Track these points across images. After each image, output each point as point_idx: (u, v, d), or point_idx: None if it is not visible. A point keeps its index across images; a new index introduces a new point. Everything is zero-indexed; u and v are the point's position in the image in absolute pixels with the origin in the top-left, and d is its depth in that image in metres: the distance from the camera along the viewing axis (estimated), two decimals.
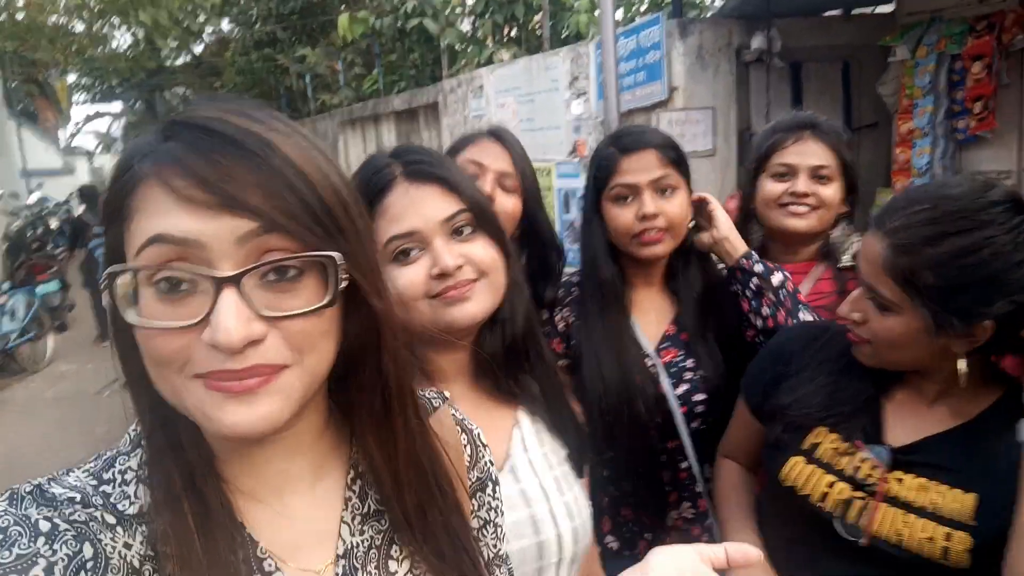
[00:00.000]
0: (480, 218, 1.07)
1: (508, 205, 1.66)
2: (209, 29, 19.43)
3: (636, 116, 5.34)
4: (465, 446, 0.85)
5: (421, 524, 0.73)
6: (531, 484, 1.12)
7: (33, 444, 5.49)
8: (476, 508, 0.85)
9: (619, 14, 9.04)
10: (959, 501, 1.14)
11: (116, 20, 16.00)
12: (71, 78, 21.97)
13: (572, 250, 1.99)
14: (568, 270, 1.80)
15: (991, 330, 1.11)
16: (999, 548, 1.09)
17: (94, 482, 0.64)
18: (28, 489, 0.61)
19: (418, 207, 1.03)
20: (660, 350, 1.65)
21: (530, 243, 1.72)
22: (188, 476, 0.64)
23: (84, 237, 9.09)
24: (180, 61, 21.44)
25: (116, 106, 29.64)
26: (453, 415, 0.86)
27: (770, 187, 1.82)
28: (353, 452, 0.75)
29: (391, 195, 1.04)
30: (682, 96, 5.24)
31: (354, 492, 0.74)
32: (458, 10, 9.18)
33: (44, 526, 0.58)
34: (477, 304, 1.06)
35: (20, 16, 13.56)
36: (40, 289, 8.03)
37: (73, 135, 31.23)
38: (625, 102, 5.22)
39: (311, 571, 0.69)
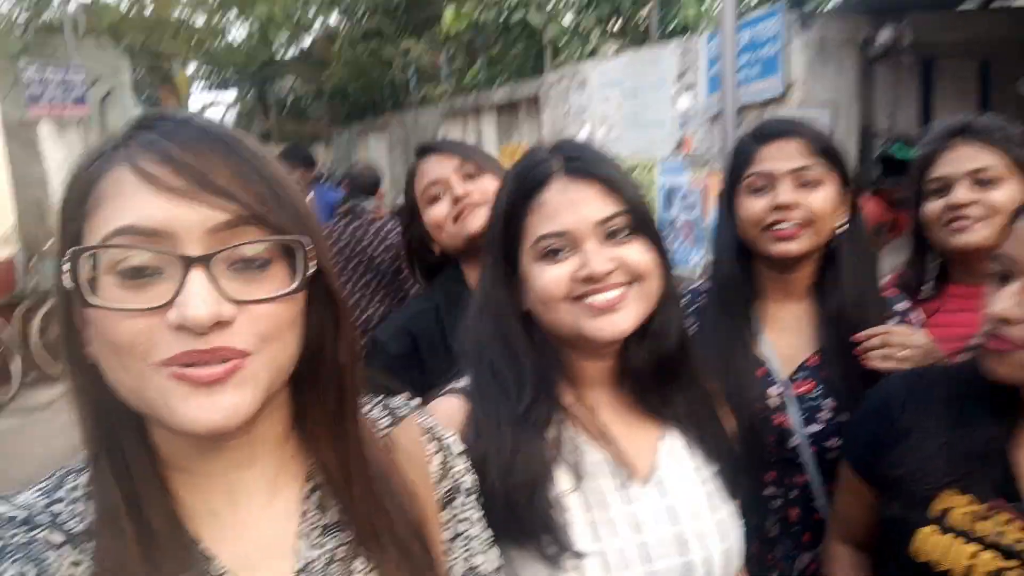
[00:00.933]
0: (640, 221, 1.02)
1: (481, 186, 1.58)
2: (319, 22, 20.12)
3: (749, 112, 5.11)
4: (434, 454, 0.81)
5: (383, 535, 0.71)
6: (680, 500, 1.05)
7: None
8: (447, 520, 0.81)
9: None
10: None
11: (232, 14, 16.77)
12: (191, 69, 23.24)
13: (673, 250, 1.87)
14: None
15: None
16: None
17: (44, 500, 0.63)
18: None
19: (575, 206, 0.99)
20: (794, 380, 1.47)
21: None
22: (132, 495, 0.62)
23: None
24: (290, 54, 22.31)
25: (230, 95, 31.30)
26: (420, 424, 0.83)
27: (929, 207, 1.62)
28: (311, 463, 0.73)
29: (548, 191, 1.01)
30: (799, 92, 4.98)
31: (312, 503, 0.72)
32: (562, 4, 9.08)
33: None
34: (627, 315, 1.00)
35: (148, 11, 14.39)
36: None
37: None
38: (737, 98, 5.01)
39: None
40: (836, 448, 1.42)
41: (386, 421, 0.81)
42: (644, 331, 1.04)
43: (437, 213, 1.61)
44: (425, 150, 1.70)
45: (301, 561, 0.69)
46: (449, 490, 0.82)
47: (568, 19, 9.30)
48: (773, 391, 1.46)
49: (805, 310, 1.51)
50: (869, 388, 1.37)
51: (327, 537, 0.71)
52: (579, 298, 0.99)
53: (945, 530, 1.10)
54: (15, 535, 0.59)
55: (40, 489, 0.65)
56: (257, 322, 0.61)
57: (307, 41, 21.82)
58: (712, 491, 1.09)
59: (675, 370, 1.09)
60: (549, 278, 1.00)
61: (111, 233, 0.58)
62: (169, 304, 0.57)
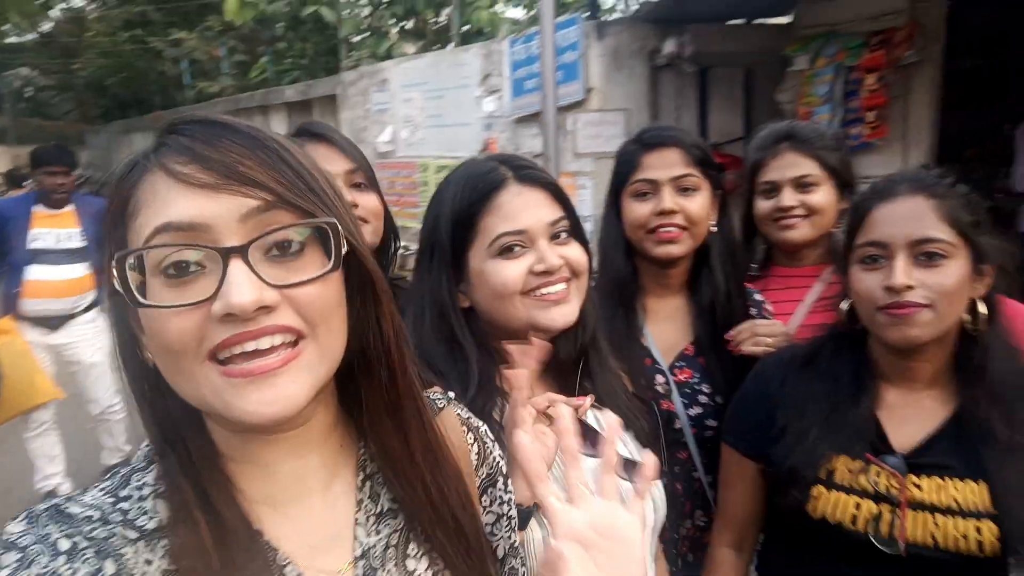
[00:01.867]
0: (575, 225, 1.16)
1: (371, 203, 1.60)
2: (61, 5, 17.79)
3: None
4: (472, 444, 0.86)
5: (436, 518, 0.74)
6: None
7: None
8: (488, 504, 0.86)
9: (520, 13, 9.09)
10: (975, 492, 1.20)
11: None
12: None
13: None
14: None
15: (993, 274, 1.23)
16: None
17: (111, 500, 0.65)
18: (44, 508, 0.62)
19: (530, 208, 1.11)
20: (674, 368, 1.61)
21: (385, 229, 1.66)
22: (202, 491, 0.64)
23: None
24: (23, 39, 19.46)
25: None
26: (458, 415, 0.87)
27: (760, 205, 1.86)
28: (361, 452, 0.76)
29: (504, 194, 1.11)
30: (598, 97, 5.32)
31: (365, 493, 0.75)
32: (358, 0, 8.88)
33: (64, 544, 0.59)
34: (573, 308, 1.13)
35: None
36: None
37: None
38: (540, 102, 5.24)
39: (331, 573, 0.70)
40: (713, 428, 1.58)
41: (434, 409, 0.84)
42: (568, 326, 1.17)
43: None
44: (315, 136, 1.58)
45: (360, 548, 0.72)
46: (488, 475, 0.87)
47: (362, 16, 9.11)
48: (659, 379, 1.59)
49: (680, 303, 1.67)
50: (739, 372, 1.55)
51: (381, 524, 0.74)
52: (532, 292, 1.11)
53: (831, 487, 1.27)
54: (94, 529, 0.61)
55: (104, 489, 0.66)
56: (302, 307, 0.62)
57: (48, 25, 19.21)
58: (633, 451, 1.22)
59: (590, 355, 1.21)
60: (508, 273, 1.10)
61: (150, 234, 0.60)
62: (213, 297, 0.59)
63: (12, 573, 0.57)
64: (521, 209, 1.10)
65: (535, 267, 1.10)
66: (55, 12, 18.08)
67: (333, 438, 0.74)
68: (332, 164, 1.54)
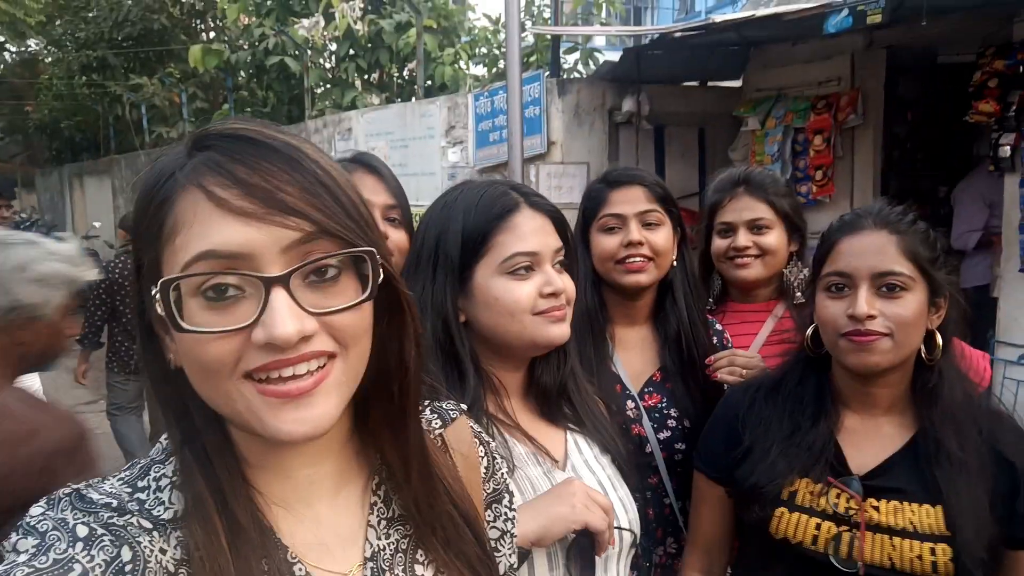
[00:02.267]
0: (569, 256, 1.22)
1: (398, 239, 1.69)
2: (12, 49, 17.58)
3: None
4: (482, 457, 0.87)
5: (441, 530, 0.76)
6: (589, 480, 1.21)
7: None
8: (492, 519, 0.87)
9: (481, 71, 9.35)
10: (930, 516, 1.26)
11: None
12: None
13: None
14: None
15: (946, 307, 1.32)
16: (980, 553, 1.21)
17: (128, 489, 0.66)
18: (66, 493, 0.63)
19: (542, 232, 1.17)
20: (643, 394, 1.67)
21: None
22: (218, 490, 0.65)
23: None
24: None
25: None
26: (471, 427, 0.88)
27: (716, 243, 1.98)
28: (377, 459, 0.77)
29: (519, 216, 1.16)
30: (560, 150, 5.49)
31: (379, 497, 0.76)
32: (324, 51, 9.03)
33: (82, 531, 0.59)
34: (568, 326, 1.19)
35: None
36: None
37: None
38: (503, 154, 5.38)
39: (339, 574, 0.71)
40: (682, 451, 1.64)
41: (437, 423, 0.85)
42: (549, 352, 1.23)
43: None
44: (366, 167, 1.69)
45: (370, 550, 0.73)
46: (495, 490, 0.87)
47: (327, 67, 9.25)
48: (630, 404, 1.65)
49: (647, 333, 1.75)
50: (704, 398, 1.64)
51: (392, 529, 0.76)
52: (540, 313, 1.15)
53: (793, 509, 1.33)
54: (111, 517, 0.62)
55: (122, 479, 0.67)
56: (336, 332, 0.63)
57: None
58: (611, 475, 1.27)
59: (572, 382, 1.27)
60: (521, 293, 1.15)
61: (192, 259, 0.60)
62: (254, 323, 0.60)
63: (30, 559, 0.57)
64: (534, 232, 1.16)
65: (544, 289, 1.15)
66: (7, 54, 17.84)
67: (350, 445, 0.76)
68: (375, 196, 1.63)
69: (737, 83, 5.90)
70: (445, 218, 1.20)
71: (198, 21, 13.44)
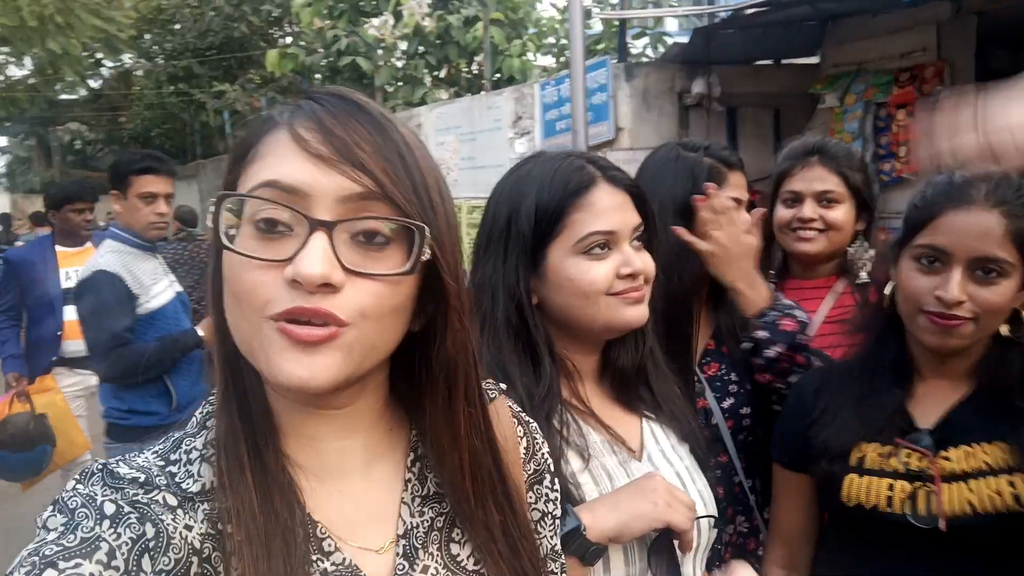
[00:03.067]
0: (650, 233, 1.16)
1: None
2: (109, 64, 18.64)
3: None
4: (522, 438, 0.85)
5: (482, 510, 0.74)
6: (667, 472, 1.15)
7: None
8: (534, 500, 0.85)
9: (550, 61, 9.33)
10: (1003, 451, 1.21)
11: (9, 49, 15.07)
12: None
13: None
14: None
15: None
16: None
17: (161, 462, 0.66)
18: (98, 467, 0.63)
19: (619, 210, 1.10)
20: (702, 364, 1.64)
21: None
22: (255, 449, 0.66)
23: None
24: (75, 95, 20.37)
25: (2, 140, 27.84)
26: (510, 407, 0.87)
27: (780, 213, 1.90)
28: (413, 435, 0.76)
29: (596, 192, 1.09)
30: (628, 137, 5.41)
31: (413, 474, 0.75)
32: (394, 49, 9.20)
33: (109, 508, 0.60)
34: (646, 308, 1.13)
35: None
36: None
37: None
38: (570, 143, 5.35)
39: (371, 550, 0.70)
40: (747, 416, 1.60)
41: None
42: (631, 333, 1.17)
43: None
44: None
45: (403, 527, 0.72)
46: (535, 471, 0.85)
47: (398, 65, 9.42)
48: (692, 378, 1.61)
49: (696, 301, 1.68)
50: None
51: (426, 507, 0.75)
52: (616, 294, 1.09)
53: (863, 473, 1.28)
54: (136, 495, 0.62)
55: (156, 452, 0.68)
56: (364, 298, 0.62)
57: (97, 82, 20.11)
58: (689, 465, 1.21)
59: (648, 365, 1.21)
60: (598, 274, 1.09)
61: (256, 185, 0.63)
62: (289, 260, 0.60)
63: (58, 537, 0.57)
64: (612, 210, 1.09)
65: (621, 270, 1.09)
66: (105, 70, 18.91)
67: (382, 422, 0.75)
68: None
69: (813, 60, 5.67)
70: (517, 193, 1.12)
71: (276, 27, 13.94)
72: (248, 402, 0.67)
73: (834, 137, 5.11)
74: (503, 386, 0.89)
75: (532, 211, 1.10)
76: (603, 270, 1.08)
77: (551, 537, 0.86)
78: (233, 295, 0.63)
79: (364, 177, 0.61)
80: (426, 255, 0.64)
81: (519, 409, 0.89)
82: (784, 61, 5.92)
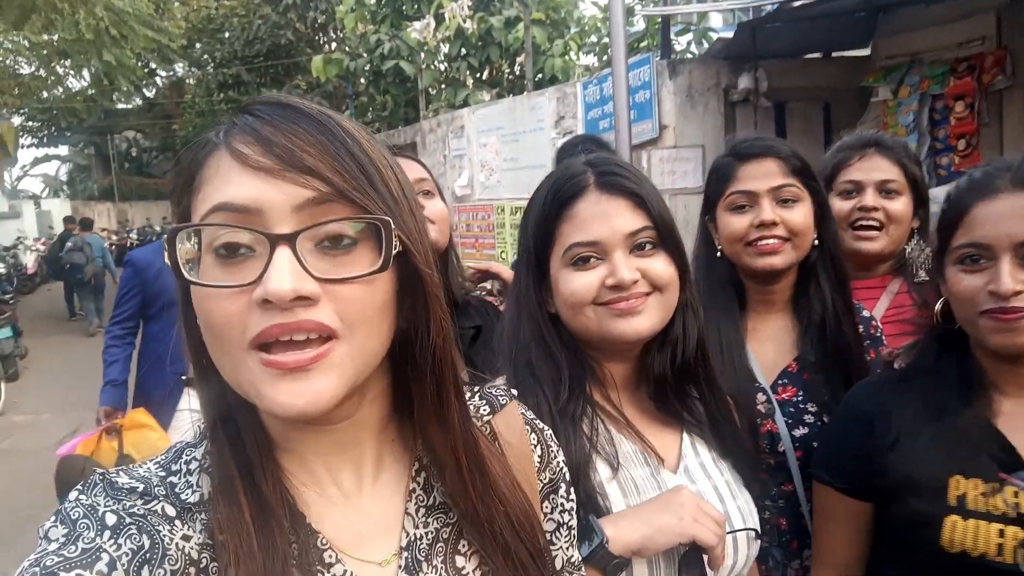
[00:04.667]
0: (664, 235, 1.08)
1: (438, 207, 1.73)
2: (163, 73, 19.22)
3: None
4: (535, 446, 0.82)
5: (487, 520, 0.72)
6: (704, 486, 1.11)
7: None
8: (549, 511, 0.82)
9: (592, 60, 9.26)
10: None
11: (68, 61, 15.66)
12: (17, 120, 21.33)
13: None
14: None
15: None
16: None
17: (162, 472, 0.66)
18: (100, 477, 0.63)
19: (606, 218, 1.06)
20: (777, 386, 1.52)
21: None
22: (247, 468, 0.64)
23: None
24: (130, 105, 21.08)
25: (63, 150, 28.98)
26: (522, 414, 0.84)
27: (838, 206, 1.78)
28: (419, 445, 0.74)
29: (581, 203, 1.07)
30: (672, 134, 5.33)
31: (418, 484, 0.73)
32: (436, 52, 9.25)
33: (110, 519, 0.59)
34: (646, 320, 1.06)
35: None
36: None
37: (19, 178, 30.33)
38: (613, 142, 5.29)
39: (372, 563, 0.68)
40: None
41: (486, 410, 0.81)
42: (663, 339, 1.11)
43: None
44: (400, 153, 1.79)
45: (406, 539, 0.71)
46: (550, 481, 0.83)
47: (441, 68, 9.49)
48: (760, 398, 1.50)
49: (785, 321, 1.57)
50: (844, 371, 1.45)
51: (431, 518, 0.73)
52: (604, 303, 1.06)
53: (967, 516, 1.14)
54: (133, 506, 0.61)
55: (158, 462, 0.67)
56: (344, 305, 0.60)
57: (151, 91, 20.77)
58: (730, 480, 1.16)
59: (693, 375, 1.14)
60: (579, 284, 1.06)
61: (207, 211, 0.60)
62: (257, 282, 0.58)
63: (59, 548, 0.57)
64: (597, 219, 1.06)
65: (607, 280, 1.05)
66: (158, 79, 19.52)
67: (387, 432, 0.73)
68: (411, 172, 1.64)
69: (864, 52, 5.51)
70: (529, 207, 1.15)
71: (321, 34, 14.17)
72: (236, 421, 0.66)
73: (888, 131, 4.96)
74: (515, 392, 0.86)
75: (533, 224, 1.12)
76: (585, 281, 1.06)
77: (567, 548, 0.83)
78: (209, 330, 0.61)
79: (314, 180, 0.59)
80: (396, 248, 0.62)
81: (533, 416, 0.86)
82: (834, 54, 5.77)
